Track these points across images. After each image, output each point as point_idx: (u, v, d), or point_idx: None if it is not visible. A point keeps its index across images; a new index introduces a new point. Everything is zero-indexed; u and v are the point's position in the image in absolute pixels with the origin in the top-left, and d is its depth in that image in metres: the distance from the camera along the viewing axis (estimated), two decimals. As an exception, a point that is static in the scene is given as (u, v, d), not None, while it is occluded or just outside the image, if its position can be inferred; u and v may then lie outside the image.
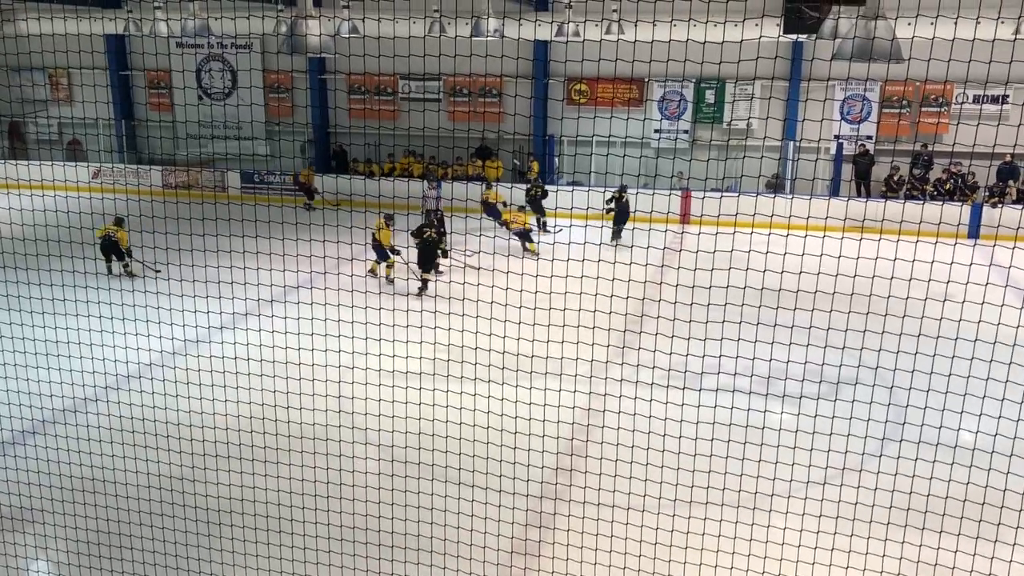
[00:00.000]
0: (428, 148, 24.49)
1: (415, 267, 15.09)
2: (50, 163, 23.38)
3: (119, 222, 16.42)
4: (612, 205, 18.51)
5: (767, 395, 8.30)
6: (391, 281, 15.40)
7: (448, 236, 16.35)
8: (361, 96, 25.37)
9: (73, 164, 25.71)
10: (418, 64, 21.54)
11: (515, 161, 24.15)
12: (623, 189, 18.42)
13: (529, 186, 20.47)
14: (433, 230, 15.67)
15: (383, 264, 15.80)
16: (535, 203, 19.77)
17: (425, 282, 15.25)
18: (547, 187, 20.55)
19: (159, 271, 14.56)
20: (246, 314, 11.70)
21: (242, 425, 7.95)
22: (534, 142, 24.14)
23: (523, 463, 6.75)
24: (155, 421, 8.56)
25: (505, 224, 18.39)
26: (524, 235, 18.09)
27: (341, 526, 7.04)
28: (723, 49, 6.33)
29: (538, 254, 17.31)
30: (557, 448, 8.36)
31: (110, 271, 16.14)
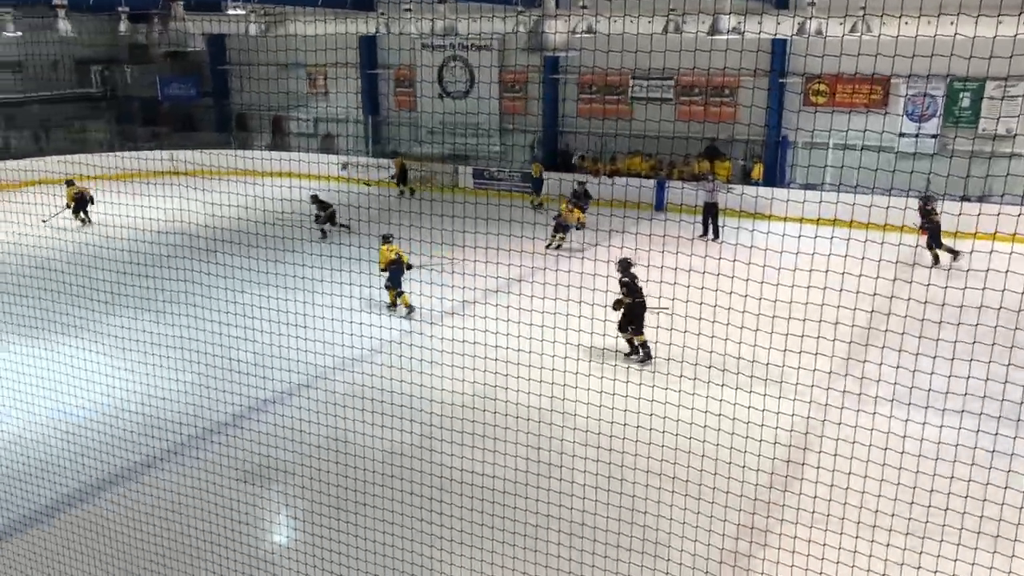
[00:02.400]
0: (653, 146, 24.47)
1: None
2: (306, 154, 25.63)
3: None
4: (925, 222, 16.83)
5: (999, 419, 7.66)
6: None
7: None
8: (591, 95, 25.72)
9: (325, 156, 27.94)
10: (651, 61, 21.56)
11: (743, 162, 23.58)
12: (929, 199, 16.67)
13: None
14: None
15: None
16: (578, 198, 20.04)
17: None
18: (774, 189, 19.89)
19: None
20: (474, 302, 12.34)
21: (466, 402, 8.40)
22: (765, 143, 23.42)
23: (739, 466, 6.67)
24: (391, 392, 9.22)
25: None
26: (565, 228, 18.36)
27: (547, 515, 7.27)
28: (982, 45, 5.91)
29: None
30: (774, 455, 8.18)
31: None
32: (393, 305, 14.30)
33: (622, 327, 12.02)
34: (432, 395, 9.00)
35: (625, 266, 11.83)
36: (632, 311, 11.87)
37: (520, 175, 25.52)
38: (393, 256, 14.10)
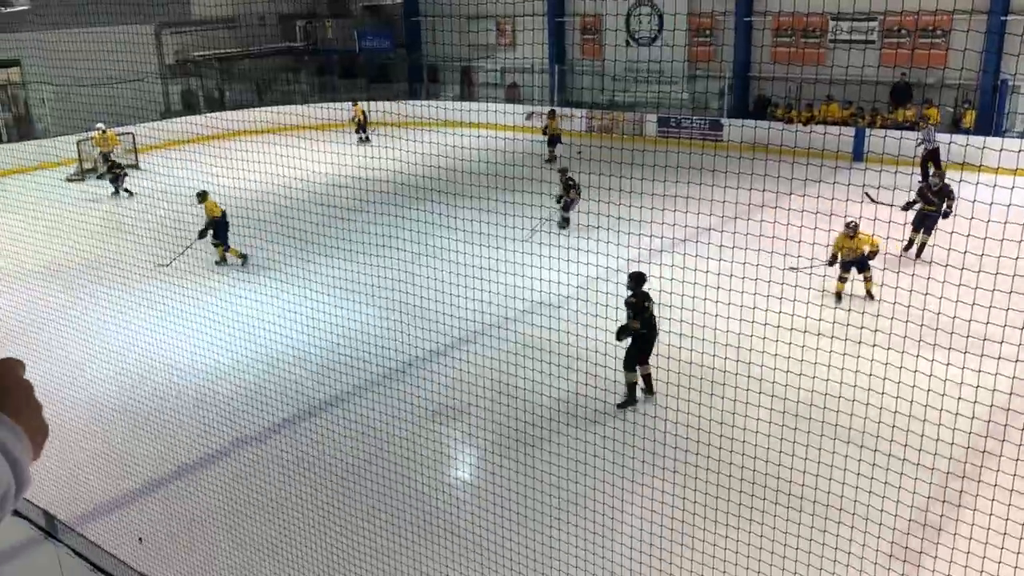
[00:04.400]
0: (853, 92, 22.99)
1: None
2: (493, 105, 25.98)
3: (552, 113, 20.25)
4: None
5: None
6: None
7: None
8: (787, 38, 24.46)
9: (511, 106, 28.23)
10: (853, 3, 20.21)
11: (951, 109, 21.77)
12: None
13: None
14: None
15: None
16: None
17: None
18: (987, 138, 18.22)
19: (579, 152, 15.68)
20: (660, 250, 12.21)
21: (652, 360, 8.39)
22: (979, 88, 21.47)
23: (932, 436, 6.30)
24: (560, 343, 9.36)
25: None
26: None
27: (723, 474, 7.18)
28: None
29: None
30: (970, 428, 7.66)
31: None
32: (223, 260, 14.45)
33: (630, 363, 9.26)
34: (608, 349, 9.05)
35: (637, 281, 9.18)
36: (646, 337, 9.23)
37: (708, 122, 24.75)
38: (218, 213, 14.16)
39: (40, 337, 11.33)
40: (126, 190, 20.36)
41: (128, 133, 22.80)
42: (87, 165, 22.35)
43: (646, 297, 9.14)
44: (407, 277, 10.08)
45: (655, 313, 9.13)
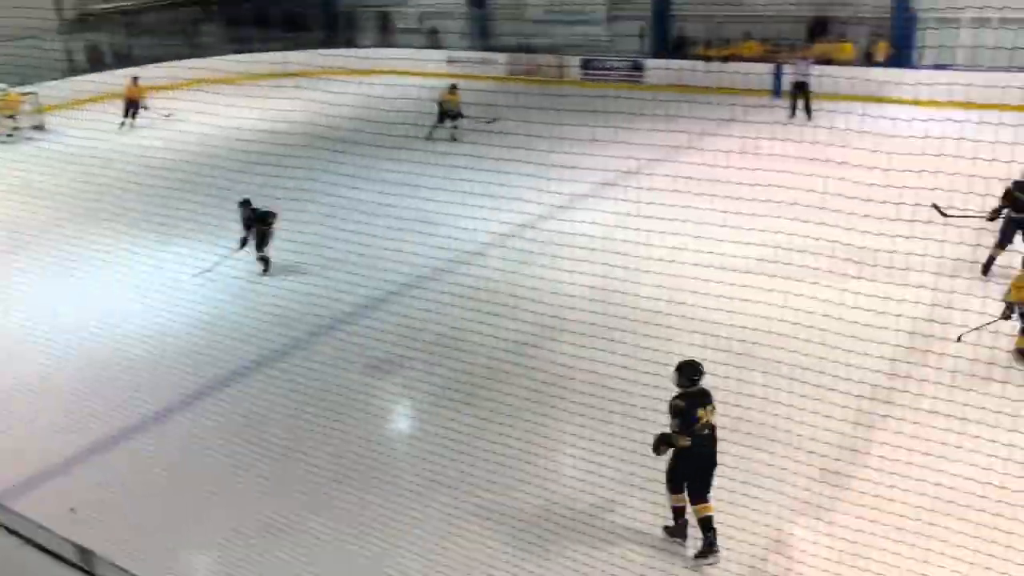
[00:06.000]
0: (775, 30, 23.25)
1: None
2: (411, 50, 25.50)
3: (453, 88, 18.33)
4: None
5: None
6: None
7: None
8: (704, -25, 24.49)
9: (431, 52, 27.73)
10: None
11: (864, 42, 22.20)
12: None
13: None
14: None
15: None
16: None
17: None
18: (905, 70, 18.67)
19: (492, 121, 15.37)
20: (585, 195, 12.24)
21: (576, 303, 8.45)
22: (893, 19, 21.89)
23: (855, 364, 6.54)
24: (498, 293, 9.36)
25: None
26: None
27: (659, 410, 7.32)
28: None
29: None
30: (894, 354, 7.97)
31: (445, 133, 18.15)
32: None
33: (675, 482, 6.46)
34: (544, 293, 9.09)
35: (690, 375, 6.43)
36: (697, 459, 6.36)
37: (631, 63, 24.71)
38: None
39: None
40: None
41: (31, 93, 21.76)
42: (-11, 127, 21.28)
43: (702, 399, 6.38)
44: (330, 232, 9.92)
45: (714, 422, 6.39)
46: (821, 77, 18.96)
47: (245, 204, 11.97)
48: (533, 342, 9.05)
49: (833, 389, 6.50)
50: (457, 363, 8.52)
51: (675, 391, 6.42)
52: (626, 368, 6.93)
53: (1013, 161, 7.07)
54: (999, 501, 5.88)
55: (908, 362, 8.20)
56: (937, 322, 7.37)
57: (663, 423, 6.40)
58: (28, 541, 5.70)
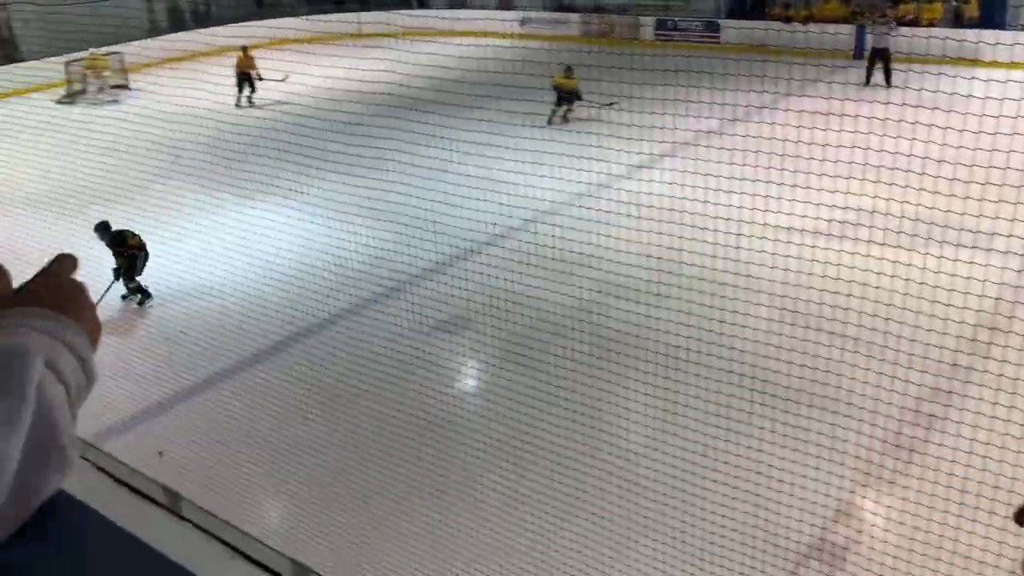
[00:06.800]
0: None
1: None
2: (484, 11, 25.39)
3: (569, 71, 16.69)
4: None
5: None
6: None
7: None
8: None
9: (503, 13, 27.56)
10: None
11: (954, 2, 21.32)
12: None
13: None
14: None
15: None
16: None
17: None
18: (998, 32, 17.86)
19: (611, 104, 14.18)
20: (662, 155, 12.14)
21: (640, 262, 8.46)
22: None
23: (932, 331, 6.41)
24: (565, 251, 9.40)
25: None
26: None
27: (729, 371, 7.33)
28: None
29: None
30: (977, 321, 7.77)
31: (559, 117, 17.11)
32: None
33: None
34: (607, 254, 9.11)
35: None
36: None
37: (706, 23, 24.23)
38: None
39: (41, 260, 11.37)
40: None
41: (116, 53, 22.40)
42: (77, 87, 22.02)
43: None
44: (407, 191, 10.06)
45: None
46: (909, 39, 18.29)
47: (103, 228, 10.47)
48: (600, 304, 9.09)
49: (912, 355, 6.38)
50: (525, 320, 8.62)
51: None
52: (694, 335, 6.92)
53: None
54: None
55: (990, 333, 7.99)
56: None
57: (726, 391, 6.39)
58: (119, 481, 6.05)
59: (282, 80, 18.27)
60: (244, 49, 20.00)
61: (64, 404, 0.79)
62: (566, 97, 17.22)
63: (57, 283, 0.90)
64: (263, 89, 19.90)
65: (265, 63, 18.52)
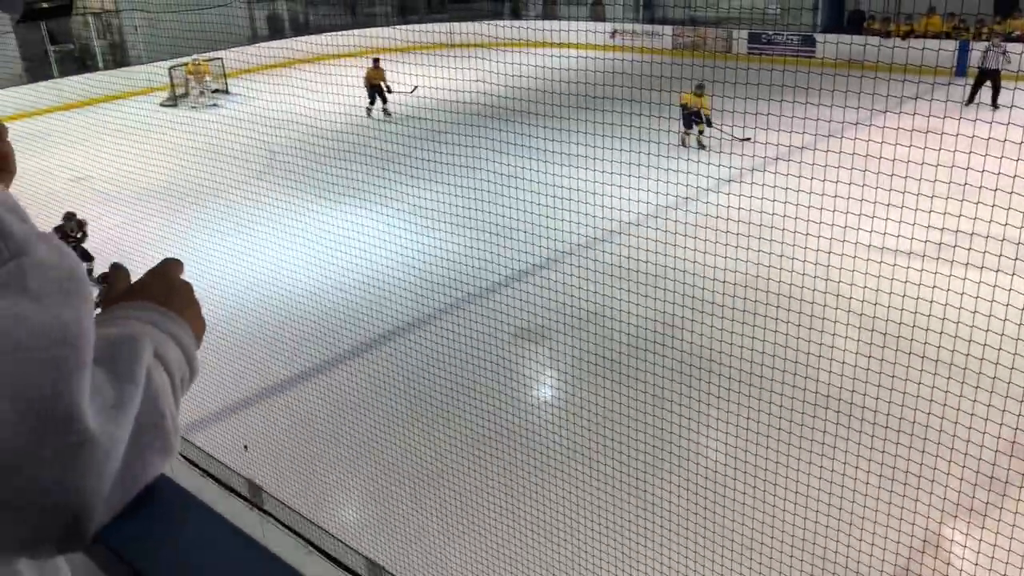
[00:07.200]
0: (958, 3, 21.70)
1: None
2: (574, 22, 25.41)
3: (700, 88, 15.07)
4: None
5: None
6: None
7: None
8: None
9: (594, 24, 27.59)
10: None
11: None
12: None
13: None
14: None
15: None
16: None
17: None
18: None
19: (745, 139, 13.22)
20: (752, 169, 11.96)
21: (727, 278, 8.33)
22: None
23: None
24: (649, 264, 9.32)
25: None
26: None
27: (815, 392, 7.15)
28: None
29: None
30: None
31: (692, 142, 15.69)
32: None
33: None
34: (693, 268, 9.01)
35: None
36: None
37: (801, 38, 23.78)
38: None
39: (144, 257, 11.85)
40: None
41: (217, 58, 23.24)
42: (180, 91, 22.93)
43: None
44: (492, 199, 10.15)
45: None
46: (1017, 55, 17.59)
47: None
48: (683, 319, 8.99)
49: (1010, 383, 6.13)
50: (606, 333, 8.59)
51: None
52: (780, 354, 6.78)
53: None
54: None
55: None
56: None
57: (810, 412, 6.25)
58: (205, 472, 6.24)
59: (411, 92, 18.05)
60: (375, 61, 20.12)
61: (169, 392, 0.83)
62: (694, 118, 15.66)
63: (167, 281, 0.95)
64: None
65: (351, 72, 18.93)
